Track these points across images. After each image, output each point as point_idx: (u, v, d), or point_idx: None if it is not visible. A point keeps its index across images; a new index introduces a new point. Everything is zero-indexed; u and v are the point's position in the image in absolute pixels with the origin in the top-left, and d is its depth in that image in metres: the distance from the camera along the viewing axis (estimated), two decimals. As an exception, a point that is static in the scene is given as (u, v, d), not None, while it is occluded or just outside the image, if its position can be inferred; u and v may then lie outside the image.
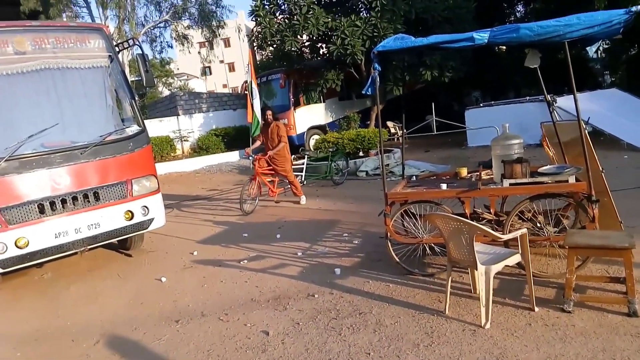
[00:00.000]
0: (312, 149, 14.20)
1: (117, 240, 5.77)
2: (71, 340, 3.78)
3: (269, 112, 7.85)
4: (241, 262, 5.22)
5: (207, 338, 3.56)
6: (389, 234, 4.27)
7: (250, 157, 7.89)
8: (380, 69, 4.12)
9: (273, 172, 7.93)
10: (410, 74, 12.85)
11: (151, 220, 5.41)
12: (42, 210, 4.69)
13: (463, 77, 14.13)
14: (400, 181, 4.82)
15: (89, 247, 5.01)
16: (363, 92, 4.37)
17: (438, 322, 3.33)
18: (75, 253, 5.04)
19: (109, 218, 5.04)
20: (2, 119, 4.79)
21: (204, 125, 17.24)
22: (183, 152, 16.80)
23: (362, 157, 10.95)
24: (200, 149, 16.35)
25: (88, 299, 4.67)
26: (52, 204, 4.74)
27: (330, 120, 15.50)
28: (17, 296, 4.96)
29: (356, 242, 5.47)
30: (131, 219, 5.21)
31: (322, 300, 3.96)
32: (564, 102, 8.28)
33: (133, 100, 5.57)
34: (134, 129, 5.46)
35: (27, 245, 4.59)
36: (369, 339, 3.22)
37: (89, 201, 4.94)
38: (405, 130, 6.18)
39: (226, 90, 37.46)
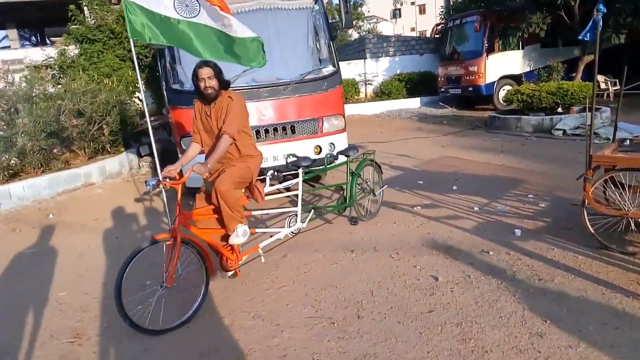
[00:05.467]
0: (501, 101, 13.19)
1: (304, 171, 6.37)
2: (265, 251, 4.39)
3: (208, 73, 3.45)
4: (414, 208, 5.29)
5: (378, 271, 3.79)
6: (586, 201, 3.83)
7: (149, 185, 3.18)
8: (605, 11, 3.55)
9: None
10: (638, 19, 10.69)
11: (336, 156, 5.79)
12: (249, 138, 5.39)
13: None
14: (609, 144, 4.20)
15: (283, 174, 5.65)
16: (580, 37, 3.83)
17: (632, 305, 2.96)
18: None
19: (301, 150, 5.56)
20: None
21: (389, 70, 17.25)
22: (366, 96, 17.19)
23: (560, 113, 9.76)
24: (382, 93, 16.53)
25: (275, 221, 5.33)
26: (257, 132, 5.41)
27: (528, 69, 14.00)
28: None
29: (542, 205, 5.05)
30: (319, 153, 5.66)
31: (497, 259, 3.83)
32: None
33: (331, 42, 5.86)
34: (329, 69, 5.78)
35: (235, 165, 5.37)
36: (548, 307, 3.03)
37: (286, 133, 5.50)
38: (621, 86, 5.27)
39: (414, 34, 36.50)
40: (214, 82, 3.47)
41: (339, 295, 3.44)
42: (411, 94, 16.08)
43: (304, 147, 5.57)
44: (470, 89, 13.76)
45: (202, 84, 3.47)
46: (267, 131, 5.45)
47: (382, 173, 5.39)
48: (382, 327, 2.98)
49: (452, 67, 14.37)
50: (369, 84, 17.28)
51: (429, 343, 2.77)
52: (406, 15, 43.94)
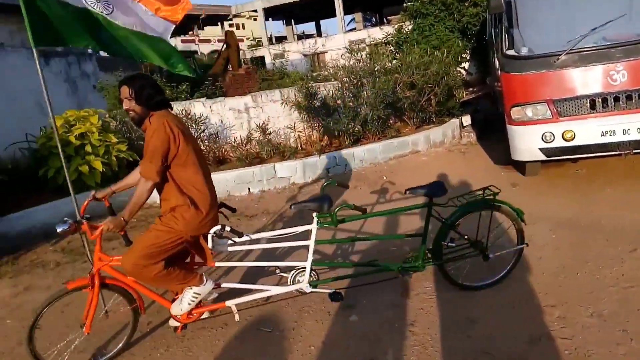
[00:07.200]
0: None
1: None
2: (605, 240, 3.77)
3: (124, 93, 2.73)
4: None
5: None
6: None
7: (59, 228, 2.65)
8: None
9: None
10: None
11: None
12: (592, 106, 4.68)
13: None
14: None
15: (634, 151, 4.68)
16: None
17: None
18: (618, 155, 4.83)
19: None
20: (568, 13, 4.92)
21: None
22: None
23: None
24: None
25: (622, 204, 4.47)
26: (604, 100, 4.63)
27: None
28: (553, 185, 5.36)
29: None
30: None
31: None
32: None
33: None
34: None
35: (572, 139, 4.77)
36: None
37: (644, 102, 4.50)
38: None
39: None
40: (132, 104, 2.71)
41: None
42: None
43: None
44: None
45: (124, 103, 2.76)
46: (616, 99, 4.58)
47: (523, 222, 3.20)
48: None
49: None
50: None
51: None
52: None
